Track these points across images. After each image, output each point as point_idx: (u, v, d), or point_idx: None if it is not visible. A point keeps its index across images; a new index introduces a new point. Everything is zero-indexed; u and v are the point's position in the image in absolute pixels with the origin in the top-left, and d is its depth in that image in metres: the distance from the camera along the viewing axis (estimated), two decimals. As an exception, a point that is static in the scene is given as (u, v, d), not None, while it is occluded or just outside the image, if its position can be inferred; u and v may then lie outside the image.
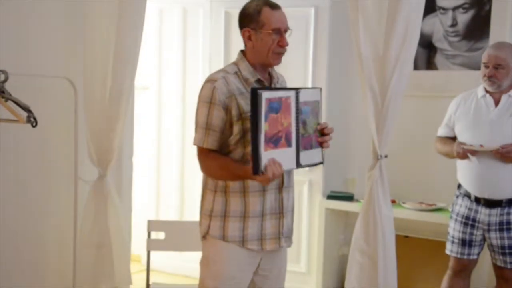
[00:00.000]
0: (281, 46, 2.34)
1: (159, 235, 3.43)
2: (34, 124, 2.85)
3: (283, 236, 2.43)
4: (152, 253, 3.37)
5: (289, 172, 2.43)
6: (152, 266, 3.39)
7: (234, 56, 2.45)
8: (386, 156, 2.94)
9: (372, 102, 2.88)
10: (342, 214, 4.30)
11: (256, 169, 2.14)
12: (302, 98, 2.25)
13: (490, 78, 3.19)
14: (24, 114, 2.83)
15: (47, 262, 3.52)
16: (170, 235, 3.39)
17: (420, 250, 4.00)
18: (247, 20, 2.35)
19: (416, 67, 4.06)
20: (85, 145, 3.45)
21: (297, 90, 2.25)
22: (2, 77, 2.83)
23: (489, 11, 3.87)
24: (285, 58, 4.24)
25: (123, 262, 3.57)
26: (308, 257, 4.35)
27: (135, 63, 3.44)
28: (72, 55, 3.53)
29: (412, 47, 2.86)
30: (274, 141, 2.18)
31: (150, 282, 3.37)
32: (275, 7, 2.34)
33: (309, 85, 4.21)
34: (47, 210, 3.49)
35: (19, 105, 2.85)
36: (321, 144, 2.37)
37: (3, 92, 2.82)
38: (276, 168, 2.16)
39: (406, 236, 4.03)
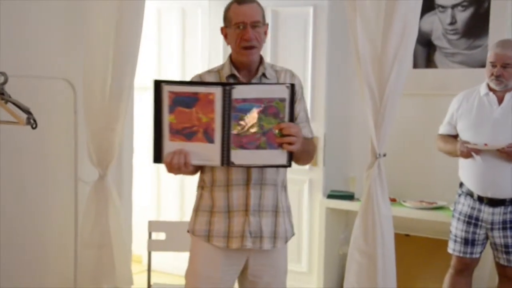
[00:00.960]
0: (245, 40, 2.30)
1: (160, 236, 3.43)
2: (34, 125, 2.85)
3: (250, 235, 2.34)
4: (153, 253, 3.37)
5: (262, 169, 2.33)
6: (153, 266, 3.39)
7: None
8: (384, 155, 2.94)
9: (370, 101, 2.87)
10: (342, 213, 4.30)
11: (155, 158, 2.23)
12: (238, 95, 2.16)
13: (498, 77, 3.18)
14: (24, 116, 2.83)
15: (48, 263, 3.52)
16: (170, 236, 3.39)
17: (421, 248, 4.00)
18: (223, 19, 2.39)
19: (415, 65, 4.06)
20: (85, 145, 3.45)
21: (226, 86, 2.17)
22: (2, 79, 2.83)
23: (488, 9, 3.87)
24: (283, 57, 4.29)
25: (124, 263, 3.57)
26: (309, 257, 4.35)
27: (135, 63, 3.44)
28: (71, 56, 3.53)
29: (410, 45, 2.85)
30: (186, 134, 2.20)
31: (151, 283, 3.37)
32: (243, 2, 2.33)
33: (309, 84, 4.22)
34: (47, 211, 3.50)
35: (19, 107, 2.85)
36: (281, 145, 2.20)
37: (2, 94, 2.82)
38: (180, 158, 2.18)
39: (407, 235, 4.03)
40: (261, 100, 2.16)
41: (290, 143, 2.18)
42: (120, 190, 3.66)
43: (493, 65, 3.20)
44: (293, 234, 2.51)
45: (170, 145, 2.21)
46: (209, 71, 2.46)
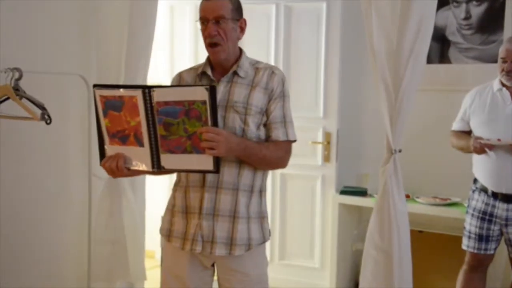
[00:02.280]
0: (205, 36, 2.24)
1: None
2: (48, 121, 2.86)
3: (202, 239, 2.26)
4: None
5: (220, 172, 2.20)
6: (166, 262, 3.40)
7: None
8: (400, 151, 2.92)
9: (386, 96, 2.85)
10: (355, 209, 4.29)
11: (100, 161, 2.24)
12: (159, 98, 2.08)
13: (509, 73, 3.18)
14: (39, 112, 2.85)
15: (62, 259, 3.54)
16: (183, 231, 3.39)
17: (435, 245, 3.99)
18: None
19: (429, 60, 4.03)
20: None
21: (146, 89, 2.10)
22: (17, 75, 2.85)
23: (503, 4, 3.84)
24: (297, 54, 4.27)
25: (137, 258, 3.58)
26: (321, 253, 4.35)
27: (148, 59, 3.45)
28: (84, 52, 3.55)
29: (426, 40, 2.83)
30: (121, 138, 2.19)
31: (165, 278, 3.37)
32: None
33: (322, 80, 4.21)
34: (62, 207, 3.51)
35: (33, 102, 2.87)
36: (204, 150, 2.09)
37: (17, 89, 2.84)
38: (112, 162, 2.17)
39: (421, 231, 4.01)
40: (181, 103, 2.07)
41: (211, 148, 2.06)
42: (133, 186, 3.67)
43: (504, 60, 3.20)
44: (261, 242, 2.36)
45: (110, 149, 2.22)
46: (190, 69, 2.42)
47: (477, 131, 3.31)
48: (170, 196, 2.42)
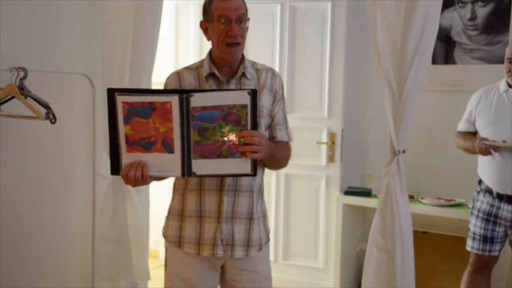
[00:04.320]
0: (230, 36, 2.17)
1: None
2: (53, 120, 2.87)
3: (222, 243, 2.25)
4: (170, 248, 3.38)
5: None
6: (170, 261, 3.40)
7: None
8: (403, 151, 2.92)
9: (390, 96, 2.84)
10: (359, 209, 4.29)
11: (112, 170, 2.16)
12: (197, 103, 2.04)
13: None
14: (43, 111, 2.85)
15: (66, 258, 3.54)
16: (187, 231, 3.38)
17: (439, 246, 3.98)
18: (203, 12, 2.27)
19: (434, 61, 4.03)
20: (103, 141, 3.47)
21: (183, 94, 2.05)
22: (22, 74, 2.85)
23: (509, 4, 3.83)
24: (302, 53, 4.27)
25: (141, 258, 3.58)
26: (325, 253, 4.34)
27: (153, 58, 3.45)
28: (89, 51, 3.55)
29: (430, 40, 2.81)
30: (144, 145, 2.10)
31: (168, 278, 3.37)
32: None
33: (326, 81, 4.21)
34: (66, 206, 3.52)
35: (38, 101, 2.87)
36: (244, 154, 2.07)
37: (22, 89, 2.85)
38: (137, 170, 2.08)
39: (425, 232, 4.01)
40: (221, 107, 2.05)
41: (253, 152, 2.06)
42: (137, 186, 3.67)
43: (510, 61, 3.19)
44: (268, 241, 2.40)
45: (128, 157, 2.12)
46: (187, 68, 2.35)
47: (482, 132, 3.29)
48: (173, 201, 2.38)
